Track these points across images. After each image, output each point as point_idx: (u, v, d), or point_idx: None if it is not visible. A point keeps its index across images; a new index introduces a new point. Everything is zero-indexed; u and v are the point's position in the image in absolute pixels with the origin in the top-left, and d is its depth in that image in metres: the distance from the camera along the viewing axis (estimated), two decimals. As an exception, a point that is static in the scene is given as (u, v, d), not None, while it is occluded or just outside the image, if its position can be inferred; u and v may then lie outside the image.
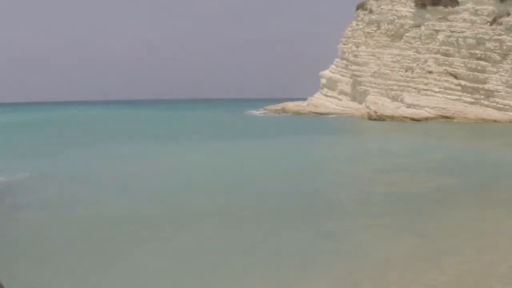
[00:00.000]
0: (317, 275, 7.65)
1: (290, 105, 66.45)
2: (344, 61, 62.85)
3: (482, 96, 47.68)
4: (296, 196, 13.62)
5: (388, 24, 57.12)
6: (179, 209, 12.09)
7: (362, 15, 60.83)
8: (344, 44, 63.11)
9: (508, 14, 46.12)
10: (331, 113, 57.82)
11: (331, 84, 64.80)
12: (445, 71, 50.84)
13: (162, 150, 25.25)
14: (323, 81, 66.39)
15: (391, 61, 56.25)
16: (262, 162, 20.54)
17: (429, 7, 53.08)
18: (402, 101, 51.97)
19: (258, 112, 68.14)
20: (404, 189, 14.28)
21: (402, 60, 55.21)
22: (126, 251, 8.94)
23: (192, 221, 10.86)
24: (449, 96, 49.88)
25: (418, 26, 54.17)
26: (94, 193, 14.14)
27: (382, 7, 57.94)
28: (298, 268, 7.91)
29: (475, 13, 48.23)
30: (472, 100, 48.27)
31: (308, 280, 7.45)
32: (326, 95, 65.45)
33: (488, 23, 47.20)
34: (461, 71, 49.26)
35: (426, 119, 47.12)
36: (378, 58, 57.47)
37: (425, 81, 52.17)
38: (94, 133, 38.24)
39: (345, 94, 62.58)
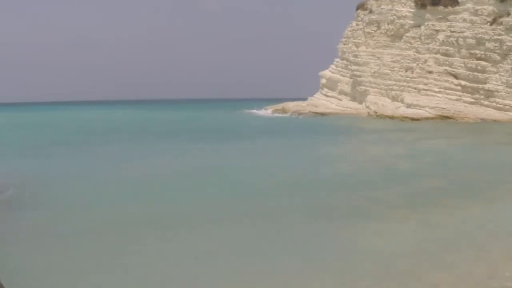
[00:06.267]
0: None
1: (290, 105, 66.44)
2: (344, 61, 62.88)
3: (482, 96, 47.69)
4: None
5: (388, 24, 57.14)
6: (180, 210, 12.11)
7: (362, 15, 60.84)
8: (344, 44, 63.13)
9: (508, 14, 46.13)
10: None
11: (331, 84, 64.83)
12: (445, 71, 50.85)
13: (165, 151, 25.25)
14: (323, 81, 66.43)
15: (391, 61, 56.26)
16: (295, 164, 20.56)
17: (429, 7, 53.09)
18: (402, 101, 51.98)
19: (267, 112, 67.28)
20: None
21: (402, 60, 55.22)
22: (131, 250, 8.97)
23: (193, 223, 10.89)
24: (449, 96, 49.90)
25: (418, 26, 54.19)
26: (93, 193, 14.15)
27: (382, 7, 57.95)
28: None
29: (475, 13, 48.24)
30: (472, 100, 48.29)
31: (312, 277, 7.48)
32: (326, 95, 65.48)
33: (488, 23, 47.21)
34: (461, 71, 49.27)
35: (426, 119, 47.11)
36: (378, 58, 57.49)
37: (425, 81, 52.18)
38: (92, 133, 38.21)
39: (345, 94, 62.60)
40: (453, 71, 50.17)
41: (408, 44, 54.92)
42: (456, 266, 7.95)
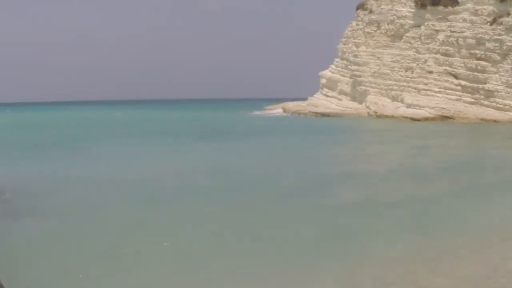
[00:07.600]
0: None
1: (290, 105, 66.49)
2: (344, 61, 62.88)
3: (482, 96, 47.67)
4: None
5: (388, 24, 57.11)
6: (182, 211, 12.10)
7: (362, 15, 60.83)
8: (344, 44, 63.12)
9: (508, 14, 46.11)
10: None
11: (331, 84, 64.82)
12: (445, 71, 50.83)
13: (166, 151, 25.24)
14: (323, 81, 66.43)
15: (391, 61, 56.24)
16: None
17: (429, 7, 53.06)
18: (402, 101, 51.96)
19: (266, 112, 66.89)
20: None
21: (402, 60, 55.20)
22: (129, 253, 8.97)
23: (194, 223, 10.89)
24: (449, 96, 49.87)
25: (418, 26, 54.16)
26: (93, 194, 14.13)
27: (382, 7, 57.92)
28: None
29: (475, 13, 48.22)
30: (472, 100, 48.27)
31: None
32: (326, 95, 65.48)
33: (488, 23, 47.19)
34: (461, 71, 49.25)
35: (426, 119, 47.09)
36: (378, 58, 57.47)
37: (425, 81, 52.16)
38: (92, 134, 38.20)
39: (345, 94, 62.60)
40: (453, 71, 50.15)
41: (408, 44, 54.89)
42: (456, 267, 7.94)
